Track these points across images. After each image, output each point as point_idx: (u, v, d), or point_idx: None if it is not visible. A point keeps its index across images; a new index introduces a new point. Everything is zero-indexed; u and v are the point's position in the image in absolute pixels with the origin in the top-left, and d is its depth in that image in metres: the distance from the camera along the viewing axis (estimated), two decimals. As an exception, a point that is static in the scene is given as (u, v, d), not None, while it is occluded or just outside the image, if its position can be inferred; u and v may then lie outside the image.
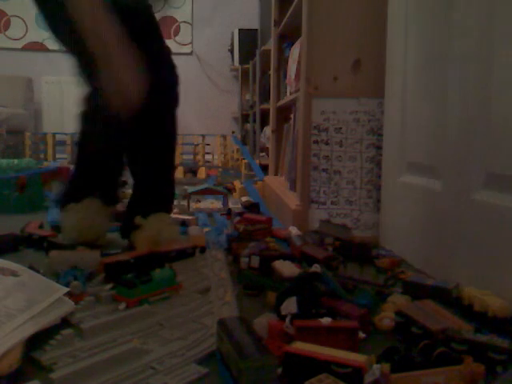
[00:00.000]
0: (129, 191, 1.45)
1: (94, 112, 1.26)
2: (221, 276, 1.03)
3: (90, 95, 1.26)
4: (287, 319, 0.69)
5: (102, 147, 1.26)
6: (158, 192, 1.31)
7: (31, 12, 4.73)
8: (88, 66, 1.11)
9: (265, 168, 2.83)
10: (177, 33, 4.91)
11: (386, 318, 0.78)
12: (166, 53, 1.28)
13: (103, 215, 1.28)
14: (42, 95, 4.68)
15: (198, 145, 3.70)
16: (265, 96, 3.44)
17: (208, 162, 3.79)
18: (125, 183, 1.64)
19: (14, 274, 0.78)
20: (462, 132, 0.98)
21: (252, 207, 1.72)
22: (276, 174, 2.42)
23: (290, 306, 0.72)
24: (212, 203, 2.02)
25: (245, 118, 4.34)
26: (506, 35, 0.86)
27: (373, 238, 1.42)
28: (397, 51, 1.31)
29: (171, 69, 1.28)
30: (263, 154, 3.64)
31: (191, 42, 4.94)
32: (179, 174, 3.37)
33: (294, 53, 1.85)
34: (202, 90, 4.91)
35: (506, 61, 0.85)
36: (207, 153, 3.74)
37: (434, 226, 1.09)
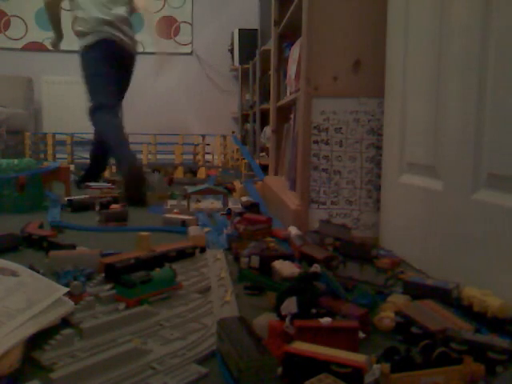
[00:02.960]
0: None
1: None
2: (221, 276, 1.03)
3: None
4: (287, 319, 0.69)
5: None
6: None
7: (31, 12, 4.74)
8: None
9: (265, 168, 2.83)
10: (177, 33, 4.91)
11: (386, 318, 0.78)
12: None
13: None
14: (41, 95, 4.68)
15: (198, 145, 3.69)
16: (265, 96, 3.45)
17: (208, 161, 3.78)
18: None
19: (14, 274, 0.78)
20: (462, 132, 0.98)
21: (252, 207, 1.71)
22: (276, 174, 2.42)
23: (290, 306, 0.72)
24: (212, 203, 2.01)
25: (245, 118, 4.34)
26: (505, 34, 0.86)
27: (373, 238, 1.42)
28: (397, 51, 1.31)
29: None
30: (263, 154, 3.64)
31: (191, 42, 4.94)
32: (179, 174, 3.37)
33: (294, 53, 1.85)
34: (202, 90, 4.92)
35: (505, 60, 0.85)
36: (207, 153, 3.74)
37: (434, 226, 1.09)
